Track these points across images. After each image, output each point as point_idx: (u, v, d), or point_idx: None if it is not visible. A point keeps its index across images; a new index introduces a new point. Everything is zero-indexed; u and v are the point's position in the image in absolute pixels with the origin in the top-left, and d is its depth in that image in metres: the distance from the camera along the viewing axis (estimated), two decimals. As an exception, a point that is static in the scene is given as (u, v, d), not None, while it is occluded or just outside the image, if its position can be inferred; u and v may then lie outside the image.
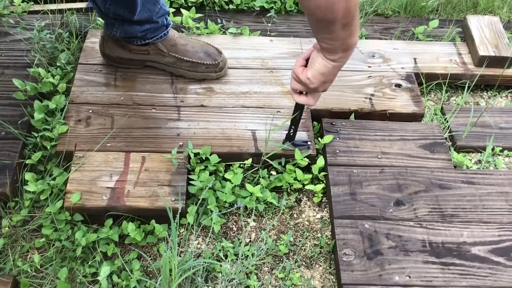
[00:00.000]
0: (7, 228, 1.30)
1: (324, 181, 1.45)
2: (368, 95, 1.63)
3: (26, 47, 1.68)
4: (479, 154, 1.59)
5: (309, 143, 1.45)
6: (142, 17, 1.48)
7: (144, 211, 1.32)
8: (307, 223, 1.40)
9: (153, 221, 1.31)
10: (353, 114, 1.58)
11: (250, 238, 1.36)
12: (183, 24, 1.81)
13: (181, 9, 1.85)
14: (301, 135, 1.47)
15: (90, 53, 1.67)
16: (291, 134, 1.42)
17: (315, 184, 1.44)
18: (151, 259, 1.30)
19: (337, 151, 1.48)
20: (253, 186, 1.39)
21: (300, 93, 1.27)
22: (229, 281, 1.25)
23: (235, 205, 1.38)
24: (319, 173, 1.44)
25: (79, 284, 1.23)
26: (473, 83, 1.73)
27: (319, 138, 1.51)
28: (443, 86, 1.74)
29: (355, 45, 1.13)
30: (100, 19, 1.80)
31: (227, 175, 1.41)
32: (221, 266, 1.27)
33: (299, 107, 1.34)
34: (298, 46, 1.78)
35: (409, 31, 1.94)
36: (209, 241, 1.35)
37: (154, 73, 1.64)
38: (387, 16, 2.02)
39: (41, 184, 1.33)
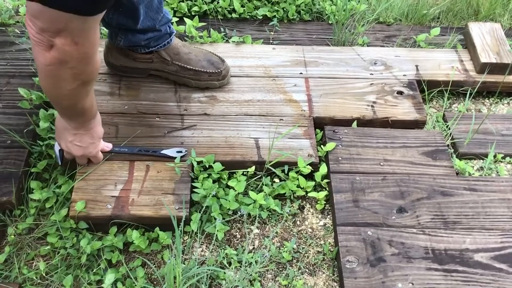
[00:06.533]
0: (13, 236, 1.31)
1: (327, 188, 1.46)
2: (370, 102, 1.64)
3: (32, 57, 1.70)
4: (481, 161, 1.59)
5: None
6: (145, 26, 1.50)
7: (148, 220, 1.32)
8: (310, 230, 1.41)
9: (157, 229, 1.32)
10: (355, 121, 1.59)
11: (254, 245, 1.37)
12: (186, 33, 1.83)
13: (184, 18, 1.87)
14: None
15: (95, 62, 1.69)
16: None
17: (318, 191, 1.44)
18: (155, 267, 1.31)
19: (340, 158, 1.48)
20: (256, 194, 1.40)
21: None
22: (233, 289, 1.26)
23: (239, 212, 1.39)
24: (322, 180, 1.45)
25: (84, 291, 1.25)
26: (475, 90, 1.74)
27: (322, 146, 1.52)
28: (445, 93, 1.75)
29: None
30: (104, 28, 1.82)
31: (230, 183, 1.42)
32: (224, 273, 1.27)
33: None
34: (300, 54, 1.79)
35: (411, 38, 1.95)
36: (212, 249, 1.35)
37: (158, 82, 1.65)
38: (389, 24, 2.04)
39: (46, 192, 1.34)
